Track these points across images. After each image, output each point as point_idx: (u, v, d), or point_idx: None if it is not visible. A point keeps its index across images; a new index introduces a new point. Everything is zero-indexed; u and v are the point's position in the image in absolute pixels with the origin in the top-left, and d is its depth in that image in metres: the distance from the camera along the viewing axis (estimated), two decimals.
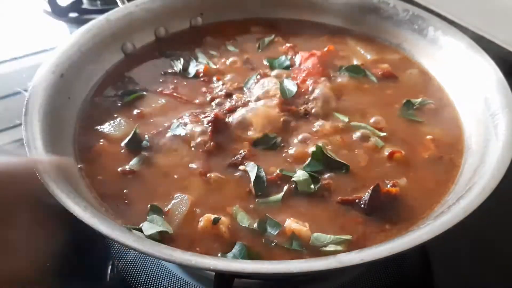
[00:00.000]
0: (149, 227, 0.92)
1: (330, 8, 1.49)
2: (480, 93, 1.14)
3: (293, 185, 1.00)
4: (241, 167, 1.05)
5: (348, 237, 0.91)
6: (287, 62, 1.35)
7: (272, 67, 1.34)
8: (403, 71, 1.33)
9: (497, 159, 0.94)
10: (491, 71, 1.15)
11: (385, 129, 1.14)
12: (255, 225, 0.93)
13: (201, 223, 0.94)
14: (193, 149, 1.09)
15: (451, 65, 1.27)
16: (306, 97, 1.22)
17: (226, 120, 1.14)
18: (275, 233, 0.92)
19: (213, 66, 1.34)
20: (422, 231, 0.83)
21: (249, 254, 0.88)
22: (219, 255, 0.89)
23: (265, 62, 1.37)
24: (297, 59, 1.34)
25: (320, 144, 1.07)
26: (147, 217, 0.95)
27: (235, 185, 1.02)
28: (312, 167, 1.04)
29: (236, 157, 1.07)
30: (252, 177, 1.01)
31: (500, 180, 0.89)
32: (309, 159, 1.05)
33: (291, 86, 1.22)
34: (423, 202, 0.99)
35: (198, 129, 1.12)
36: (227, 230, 0.93)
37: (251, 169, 1.03)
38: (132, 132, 1.11)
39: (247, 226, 0.93)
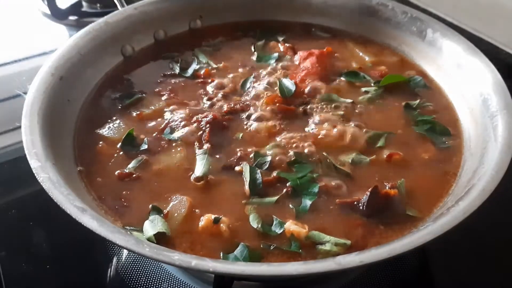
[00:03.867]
0: (149, 228, 0.92)
1: (329, 11, 1.49)
2: (479, 95, 1.14)
3: (290, 188, 1.01)
4: (237, 168, 1.05)
5: (348, 241, 0.91)
6: (275, 60, 1.36)
7: (258, 60, 1.36)
8: (402, 73, 1.33)
9: (496, 161, 0.94)
10: (490, 73, 1.15)
11: (385, 131, 1.15)
12: (259, 226, 0.94)
13: (202, 222, 0.94)
14: (190, 150, 1.10)
15: (449, 67, 1.27)
16: (305, 96, 1.23)
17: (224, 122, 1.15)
18: (279, 232, 0.93)
19: (213, 67, 1.35)
20: (422, 232, 0.83)
21: (251, 256, 0.89)
22: (221, 254, 0.89)
23: (254, 58, 1.38)
24: (296, 58, 1.35)
25: (299, 150, 1.08)
26: (149, 216, 0.95)
27: (231, 186, 1.02)
28: (303, 171, 1.04)
29: (231, 158, 1.07)
30: (247, 178, 1.02)
31: (499, 181, 0.90)
32: (295, 166, 1.05)
33: (289, 85, 1.23)
34: (422, 204, 0.99)
35: (196, 130, 1.13)
36: (227, 229, 0.93)
37: (246, 170, 1.03)
38: (125, 135, 1.12)
39: (255, 227, 0.94)
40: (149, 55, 1.40)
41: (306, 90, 1.24)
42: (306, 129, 1.15)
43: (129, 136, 1.12)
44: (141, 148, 1.10)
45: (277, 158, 1.07)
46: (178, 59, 1.37)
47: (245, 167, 1.04)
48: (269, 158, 1.06)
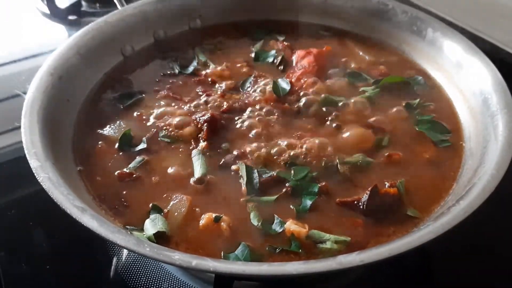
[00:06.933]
0: (150, 227, 0.92)
1: (329, 10, 1.49)
2: (479, 94, 1.14)
3: (290, 188, 1.01)
4: (233, 167, 1.05)
5: (348, 238, 0.91)
6: (273, 58, 1.36)
7: (257, 59, 1.37)
8: (402, 72, 1.33)
9: (496, 160, 0.94)
10: (490, 72, 1.15)
11: (384, 130, 1.15)
12: (259, 224, 0.94)
13: (203, 221, 0.94)
14: (189, 149, 1.10)
15: (450, 66, 1.27)
16: (301, 95, 1.23)
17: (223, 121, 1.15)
18: (279, 231, 0.93)
19: (212, 67, 1.34)
20: (422, 232, 0.83)
21: (252, 255, 0.89)
22: (221, 254, 0.89)
23: (252, 55, 1.38)
24: (294, 58, 1.35)
25: (297, 150, 1.07)
26: (150, 215, 0.95)
27: (231, 185, 1.02)
28: (300, 174, 1.03)
29: (229, 157, 1.07)
30: (244, 178, 1.01)
31: (500, 181, 0.89)
32: (292, 168, 1.04)
33: (284, 84, 1.24)
34: (422, 203, 0.99)
35: (194, 129, 1.13)
36: (228, 228, 0.93)
37: (243, 170, 1.03)
38: (121, 135, 1.11)
39: (256, 225, 0.94)
40: (149, 54, 1.39)
41: (302, 89, 1.24)
42: (303, 129, 1.15)
43: (125, 136, 1.12)
44: (140, 148, 1.10)
45: (275, 158, 1.07)
46: (178, 58, 1.37)
47: (241, 167, 1.04)
48: (272, 173, 1.04)
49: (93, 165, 1.06)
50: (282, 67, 1.34)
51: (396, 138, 1.13)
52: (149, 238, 0.90)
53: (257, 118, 1.17)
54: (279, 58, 1.36)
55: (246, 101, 1.21)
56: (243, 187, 1.01)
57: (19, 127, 1.01)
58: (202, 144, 1.10)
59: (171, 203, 0.98)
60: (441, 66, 1.30)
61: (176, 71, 1.33)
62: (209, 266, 0.77)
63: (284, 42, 1.42)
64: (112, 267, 1.08)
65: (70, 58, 1.22)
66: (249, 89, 1.26)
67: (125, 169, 1.05)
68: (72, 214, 0.84)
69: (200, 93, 1.25)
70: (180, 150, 1.10)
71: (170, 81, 1.30)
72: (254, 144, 1.10)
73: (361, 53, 1.40)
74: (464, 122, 1.17)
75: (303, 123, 1.17)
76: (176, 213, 0.96)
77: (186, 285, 1.04)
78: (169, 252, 0.80)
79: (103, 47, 1.31)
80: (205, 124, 1.12)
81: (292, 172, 1.04)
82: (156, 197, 1.00)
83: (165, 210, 0.96)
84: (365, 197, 0.97)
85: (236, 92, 1.26)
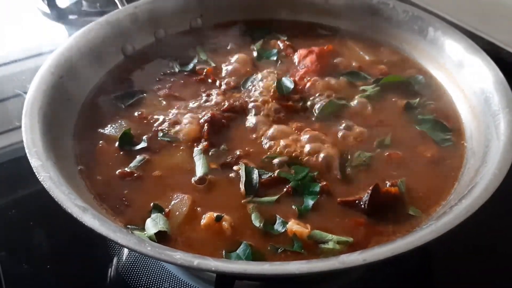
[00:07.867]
0: (151, 226, 0.92)
1: (330, 9, 1.49)
2: (481, 93, 1.14)
3: (290, 188, 1.00)
4: (235, 167, 1.05)
5: (350, 239, 0.91)
6: (275, 57, 1.37)
7: (259, 58, 1.37)
8: (403, 71, 1.33)
9: (498, 159, 0.94)
10: (491, 71, 1.15)
11: (385, 130, 1.14)
12: (260, 225, 0.94)
13: (204, 220, 0.94)
14: (190, 149, 1.09)
15: (451, 65, 1.27)
16: (304, 94, 1.23)
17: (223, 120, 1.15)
18: (282, 231, 0.93)
19: (213, 65, 1.35)
20: (425, 231, 0.82)
21: (254, 255, 0.88)
22: (223, 253, 0.89)
23: (254, 54, 1.38)
24: (296, 56, 1.35)
25: (297, 151, 1.07)
26: (151, 215, 0.95)
27: (232, 184, 1.02)
28: (301, 173, 1.03)
29: (230, 157, 1.07)
30: (243, 178, 1.01)
31: (502, 180, 0.89)
32: (292, 167, 1.04)
33: (288, 83, 1.24)
34: (424, 203, 0.99)
35: (195, 129, 1.13)
36: (229, 227, 0.93)
37: (242, 170, 1.03)
38: (121, 134, 1.11)
39: (257, 226, 0.93)
40: (149, 54, 1.39)
41: (306, 88, 1.24)
42: (306, 127, 1.14)
43: (125, 135, 1.11)
44: (140, 147, 1.10)
45: (277, 157, 1.07)
46: (178, 58, 1.37)
47: (241, 167, 1.04)
48: (271, 173, 1.03)
49: (94, 164, 1.06)
50: (283, 66, 1.34)
51: (397, 138, 1.13)
52: (150, 238, 0.90)
53: (259, 117, 1.17)
54: (281, 57, 1.36)
55: (248, 100, 1.21)
56: (242, 188, 1.00)
57: (19, 127, 1.01)
58: (203, 143, 1.10)
59: (172, 202, 0.98)
60: (442, 65, 1.30)
61: (177, 70, 1.34)
62: (211, 265, 0.77)
63: (286, 42, 1.42)
64: (113, 267, 1.08)
65: (71, 57, 1.21)
66: (250, 88, 1.26)
67: (126, 168, 1.05)
68: (73, 213, 0.84)
69: (201, 92, 1.25)
70: (181, 149, 1.10)
71: (171, 80, 1.30)
72: (256, 144, 1.10)
73: (361, 53, 1.40)
74: (465, 122, 1.17)
75: (307, 121, 1.17)
76: (177, 213, 0.96)
77: (186, 285, 1.04)
78: (171, 251, 0.79)
79: (104, 47, 1.31)
80: (206, 124, 1.12)
81: (293, 171, 1.04)
82: (157, 196, 1.00)
83: (166, 210, 0.96)
84: (366, 196, 0.97)
85: (237, 91, 1.26)
